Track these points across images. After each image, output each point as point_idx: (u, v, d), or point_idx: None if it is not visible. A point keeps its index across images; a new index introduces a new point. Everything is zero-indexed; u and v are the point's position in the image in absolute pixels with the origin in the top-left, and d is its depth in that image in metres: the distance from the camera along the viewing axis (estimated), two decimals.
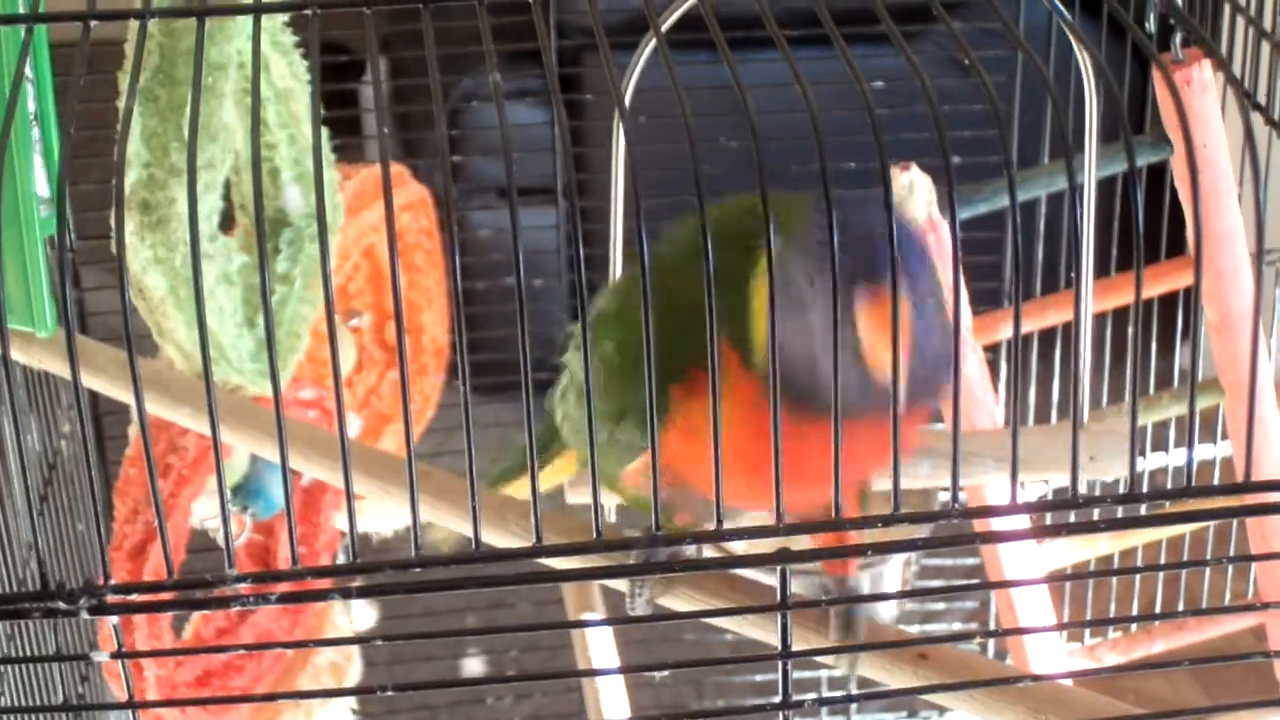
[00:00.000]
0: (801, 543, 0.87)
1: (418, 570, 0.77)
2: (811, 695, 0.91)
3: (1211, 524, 2.27)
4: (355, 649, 1.89)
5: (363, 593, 0.78)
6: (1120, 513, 1.87)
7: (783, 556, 0.80)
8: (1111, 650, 1.98)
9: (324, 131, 1.63)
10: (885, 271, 0.86)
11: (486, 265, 2.79)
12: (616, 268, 1.53)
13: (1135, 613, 2.31)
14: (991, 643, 2.37)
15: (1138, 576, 2.37)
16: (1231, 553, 2.25)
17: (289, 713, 1.78)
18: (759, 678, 2.60)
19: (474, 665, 2.59)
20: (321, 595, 0.77)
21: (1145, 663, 1.93)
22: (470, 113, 2.98)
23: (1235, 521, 2.17)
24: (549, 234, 2.67)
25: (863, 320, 0.91)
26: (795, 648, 0.84)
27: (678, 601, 0.96)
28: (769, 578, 0.88)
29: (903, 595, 0.98)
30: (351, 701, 1.90)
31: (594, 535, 0.78)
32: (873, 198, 0.90)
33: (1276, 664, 1.96)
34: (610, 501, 1.34)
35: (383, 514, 1.88)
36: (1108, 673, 1.72)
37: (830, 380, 0.87)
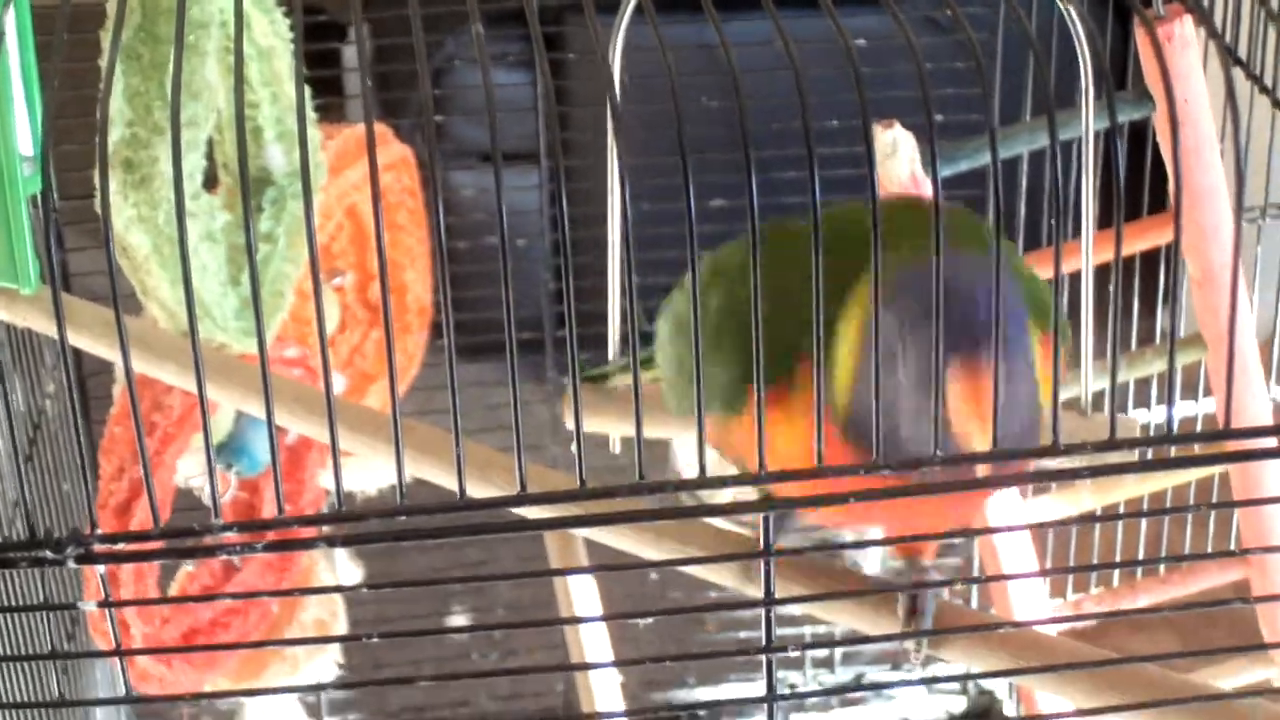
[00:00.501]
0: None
1: (402, 519, 0.78)
2: (792, 645, 0.92)
3: (1193, 481, 2.28)
4: (340, 609, 1.89)
5: (347, 541, 0.79)
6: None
7: (766, 504, 0.80)
8: (1095, 605, 1.99)
9: (307, 90, 1.64)
10: (983, 342, 0.84)
11: (468, 225, 2.78)
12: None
13: (1118, 564, 2.32)
14: (975, 597, 2.39)
15: (1119, 536, 2.39)
16: (1212, 513, 2.26)
17: (275, 666, 1.79)
18: (744, 634, 2.60)
19: (459, 621, 2.60)
20: (306, 544, 0.78)
21: (1125, 612, 1.93)
22: (453, 73, 2.97)
23: (1216, 478, 2.19)
24: (531, 195, 2.67)
25: (953, 392, 0.87)
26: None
27: (662, 553, 0.97)
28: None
29: (873, 543, 0.99)
30: (338, 658, 1.91)
31: (578, 484, 0.78)
32: (980, 261, 0.87)
33: (1260, 613, 1.98)
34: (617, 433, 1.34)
35: (368, 472, 1.89)
36: (1090, 618, 1.73)
37: (909, 441, 0.87)
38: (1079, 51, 1.16)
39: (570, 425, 1.38)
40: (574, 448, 0.80)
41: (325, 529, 1.62)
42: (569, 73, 2.84)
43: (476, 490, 1.10)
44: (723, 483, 0.80)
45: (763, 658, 0.89)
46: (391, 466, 1.25)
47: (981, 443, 0.85)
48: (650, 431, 1.33)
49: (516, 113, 2.66)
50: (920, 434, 0.87)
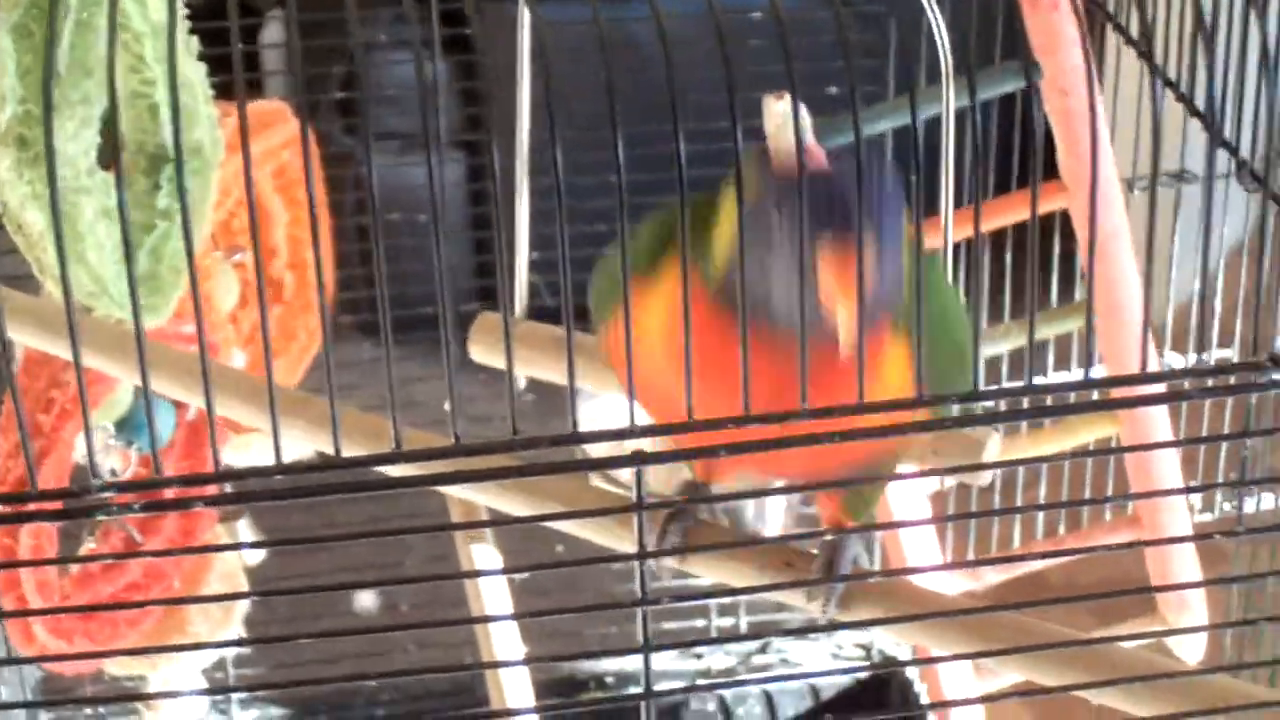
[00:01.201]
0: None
1: (280, 478, 0.79)
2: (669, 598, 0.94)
3: (1090, 460, 2.32)
4: (242, 583, 1.90)
5: (226, 500, 0.80)
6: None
7: (638, 458, 0.82)
8: (991, 568, 2.02)
9: (203, 68, 1.64)
10: (853, 222, 0.92)
11: (380, 203, 2.78)
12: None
13: (1018, 532, 2.35)
14: (879, 558, 2.41)
15: (1019, 499, 2.41)
16: (1111, 477, 2.29)
17: (176, 639, 1.79)
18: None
19: (367, 598, 2.61)
20: (183, 504, 0.79)
21: (1020, 556, 1.97)
22: (369, 62, 2.97)
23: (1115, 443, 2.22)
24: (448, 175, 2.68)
25: (823, 265, 0.94)
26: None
27: (538, 508, 0.99)
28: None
29: (766, 493, 1.01)
30: (241, 631, 1.91)
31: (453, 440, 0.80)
32: (867, 150, 0.94)
33: (1151, 570, 2.01)
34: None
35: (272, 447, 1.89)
36: (972, 564, 1.75)
37: (782, 306, 0.95)
38: (933, 23, 1.19)
39: (476, 358, 1.41)
40: (447, 406, 0.82)
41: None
42: (484, 53, 2.85)
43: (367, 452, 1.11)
44: (596, 438, 0.82)
45: (644, 615, 0.90)
46: (298, 441, 1.27)
47: (847, 312, 0.93)
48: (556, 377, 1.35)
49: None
50: (790, 303, 0.95)
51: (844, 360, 0.93)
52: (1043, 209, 1.83)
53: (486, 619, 1.60)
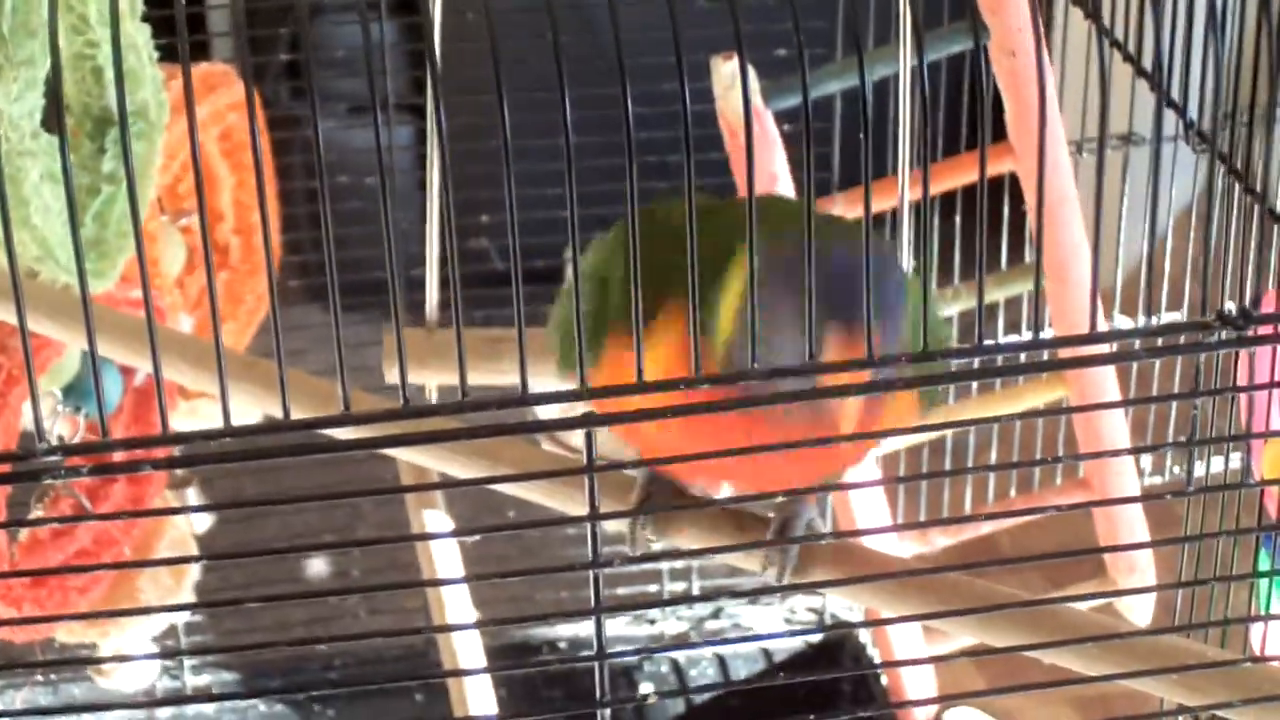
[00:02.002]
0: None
1: (228, 440, 0.79)
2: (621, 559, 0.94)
3: (1040, 422, 2.32)
4: (193, 550, 1.89)
5: (173, 464, 0.79)
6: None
7: (588, 420, 0.82)
8: (942, 533, 2.03)
9: (147, 29, 1.62)
10: (859, 313, 0.91)
11: (326, 166, 2.77)
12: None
13: (969, 495, 2.36)
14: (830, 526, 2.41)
15: (970, 462, 2.42)
16: (1061, 442, 2.29)
17: (126, 603, 1.79)
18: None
19: (319, 566, 2.60)
20: (132, 467, 0.78)
21: (973, 518, 1.97)
22: (318, 25, 2.96)
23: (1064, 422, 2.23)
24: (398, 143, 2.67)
25: (829, 355, 0.93)
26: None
27: (488, 472, 0.99)
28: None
29: (682, 458, 1.01)
30: (192, 598, 1.90)
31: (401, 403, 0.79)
32: (858, 240, 0.93)
33: (1099, 533, 2.03)
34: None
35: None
36: (923, 526, 1.76)
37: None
38: None
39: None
40: (397, 368, 0.81)
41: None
42: (425, 13, 2.84)
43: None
44: (545, 399, 0.82)
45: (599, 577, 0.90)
46: (247, 405, 1.26)
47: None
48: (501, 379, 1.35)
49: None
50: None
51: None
52: (992, 171, 1.84)
53: (438, 582, 1.60)
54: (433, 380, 1.35)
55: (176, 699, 2.41)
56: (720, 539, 1.10)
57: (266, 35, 2.93)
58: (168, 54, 1.63)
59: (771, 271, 0.93)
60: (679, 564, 2.50)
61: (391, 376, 1.31)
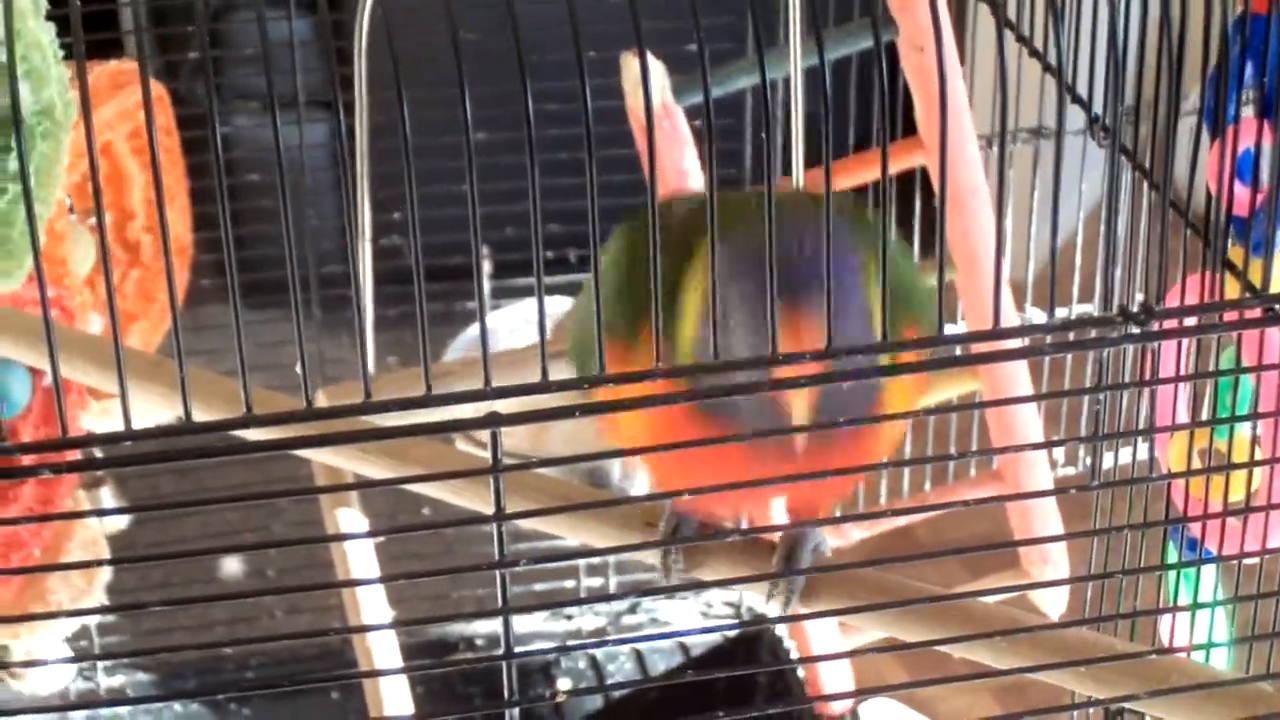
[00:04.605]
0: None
1: (128, 444, 0.78)
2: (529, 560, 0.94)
3: (954, 416, 2.33)
4: (105, 551, 1.87)
5: (73, 468, 0.79)
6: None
7: (492, 420, 0.82)
8: (855, 526, 2.03)
9: (52, 27, 1.61)
10: (807, 296, 0.91)
11: (239, 163, 2.76)
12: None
13: (884, 489, 2.37)
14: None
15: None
16: (975, 434, 2.30)
17: (36, 606, 1.77)
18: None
19: (235, 565, 2.59)
20: (31, 471, 0.77)
21: (894, 511, 1.98)
22: (230, 20, 2.94)
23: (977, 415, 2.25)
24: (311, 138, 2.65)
25: (782, 336, 0.92)
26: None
27: (398, 472, 0.98)
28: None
29: (596, 457, 1.01)
30: (104, 598, 1.89)
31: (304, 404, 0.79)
32: (804, 220, 0.94)
33: (1014, 526, 2.04)
34: None
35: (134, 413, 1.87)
36: (838, 521, 1.76)
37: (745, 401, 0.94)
38: None
39: None
40: (299, 368, 0.81)
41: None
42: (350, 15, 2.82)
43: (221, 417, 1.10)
44: (450, 400, 0.81)
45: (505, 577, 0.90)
46: (157, 406, 1.25)
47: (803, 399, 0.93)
48: None
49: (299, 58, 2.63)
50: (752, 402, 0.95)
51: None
52: (903, 166, 1.84)
53: (352, 583, 1.60)
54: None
55: (91, 703, 2.39)
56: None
57: (180, 32, 2.91)
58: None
59: (722, 268, 0.92)
60: (595, 560, 2.50)
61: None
